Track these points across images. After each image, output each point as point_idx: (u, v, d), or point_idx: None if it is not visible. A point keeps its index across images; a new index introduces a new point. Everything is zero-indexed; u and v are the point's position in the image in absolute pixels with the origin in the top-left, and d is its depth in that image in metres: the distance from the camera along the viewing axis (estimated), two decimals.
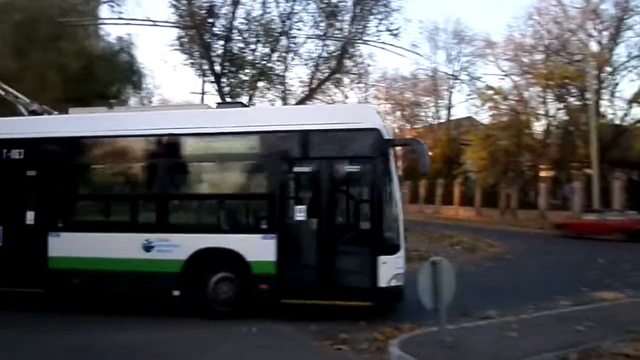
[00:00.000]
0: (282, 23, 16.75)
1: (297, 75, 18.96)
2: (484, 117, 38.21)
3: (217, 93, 16.99)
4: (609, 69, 32.34)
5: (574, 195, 31.53)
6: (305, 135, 8.29)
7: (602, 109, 32.86)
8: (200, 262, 8.20)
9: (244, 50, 16.60)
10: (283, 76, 18.14)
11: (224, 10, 16.63)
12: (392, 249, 7.96)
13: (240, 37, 16.49)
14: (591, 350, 6.08)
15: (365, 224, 8.31)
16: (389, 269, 7.83)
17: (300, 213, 8.14)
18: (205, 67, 17.04)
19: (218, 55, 16.71)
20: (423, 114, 45.42)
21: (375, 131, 8.04)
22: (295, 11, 17.01)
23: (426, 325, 7.14)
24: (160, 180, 8.85)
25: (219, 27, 16.15)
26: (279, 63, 17.72)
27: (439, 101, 43.72)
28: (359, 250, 8.10)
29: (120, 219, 9.14)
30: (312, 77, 18.02)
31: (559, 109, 36.27)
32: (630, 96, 31.61)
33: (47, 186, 8.90)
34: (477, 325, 7.31)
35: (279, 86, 18.24)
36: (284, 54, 17.68)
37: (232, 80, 16.99)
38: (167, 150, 8.80)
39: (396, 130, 38.33)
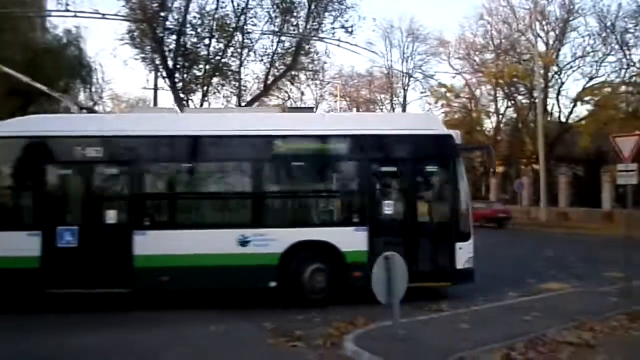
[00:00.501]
0: (237, 18, 16.54)
1: (253, 71, 18.66)
2: (437, 114, 39.02)
3: (169, 89, 16.62)
4: (555, 68, 33.68)
5: (522, 190, 32.67)
6: (391, 139, 9.23)
7: (548, 107, 34.23)
8: (295, 254, 8.70)
9: (197, 45, 16.31)
10: (238, 72, 17.93)
11: (176, 4, 16.36)
12: (465, 237, 9.10)
13: (193, 32, 16.18)
14: (537, 339, 6.32)
15: (443, 216, 9.34)
16: (464, 254, 8.99)
17: (387, 207, 9.09)
18: (158, 62, 16.63)
19: (171, 50, 16.32)
20: (379, 111, 45.88)
21: (450, 137, 9.26)
22: (250, 6, 16.88)
23: (380, 319, 7.27)
24: (257, 179, 9.14)
25: (171, 21, 15.81)
26: (233, 59, 17.51)
27: (394, 98, 44.34)
28: (439, 238, 9.19)
29: (215, 216, 9.40)
30: (268, 73, 17.88)
31: (508, 106, 37.55)
32: (575, 95, 33.00)
33: (131, 185, 8.89)
34: (431, 318, 7.49)
35: (234, 82, 18.03)
36: (238, 50, 17.46)
37: (186, 75, 16.64)
38: (262, 150, 9.07)
39: None
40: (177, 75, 16.45)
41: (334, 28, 16.52)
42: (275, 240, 8.70)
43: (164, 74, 16.63)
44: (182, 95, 16.43)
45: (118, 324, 7.75)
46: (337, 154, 9.32)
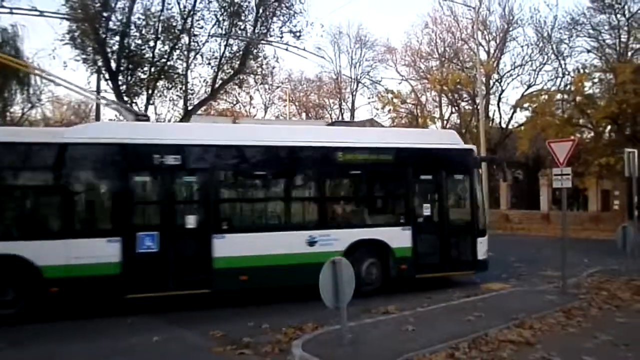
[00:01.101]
0: (183, 20, 16.16)
1: (200, 75, 18.36)
2: (385, 119, 39.70)
3: (112, 91, 16.00)
4: (496, 76, 34.95)
5: None
6: (427, 152, 10.65)
7: (490, 113, 35.48)
8: (354, 251, 9.66)
9: (142, 47, 15.77)
10: (185, 75, 17.55)
11: (120, 5, 15.79)
12: (483, 233, 10.93)
13: (138, 33, 15.65)
14: (480, 339, 6.52)
15: (467, 216, 11.01)
16: (482, 247, 10.79)
17: (426, 210, 10.58)
18: (100, 63, 16.01)
19: (114, 52, 15.72)
20: (327, 116, 46.21)
21: (471, 150, 11.38)
22: (197, 9, 16.55)
23: (329, 324, 7.29)
24: (322, 186, 10.18)
25: (114, 22, 15.20)
26: (180, 62, 17.13)
27: (342, 104, 44.79)
28: (465, 235, 10.87)
29: (286, 219, 10.05)
30: (215, 77, 17.58)
31: (452, 112, 38.65)
32: (514, 102, 34.34)
33: (209, 191, 9.32)
34: (378, 321, 7.56)
35: (181, 86, 17.62)
36: (185, 53, 17.10)
37: (130, 78, 16.08)
38: (327, 160, 10.01)
39: None
40: (120, 77, 15.86)
41: (282, 32, 16.47)
42: (338, 239, 9.66)
43: (107, 76, 15.99)
44: (125, 99, 15.87)
45: (58, 334, 7.50)
46: (387, 164, 10.50)
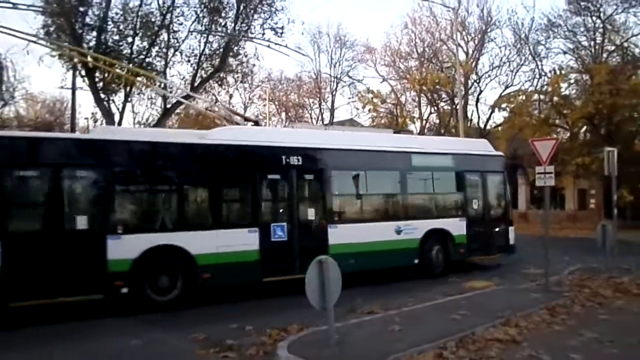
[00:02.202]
0: (162, 16, 15.77)
1: (179, 72, 18.00)
2: (365, 119, 39.75)
3: (89, 88, 15.53)
4: (474, 76, 35.25)
5: None
6: (473, 157, 13.15)
7: (468, 114, 35.77)
8: (427, 239, 11.90)
9: (119, 43, 15.34)
10: (163, 73, 17.16)
11: None
12: (512, 223, 13.84)
13: (115, 29, 15.19)
14: (467, 338, 6.46)
15: (501, 209, 13.76)
16: (512, 234, 13.57)
17: (475, 204, 13.05)
18: (76, 59, 15.53)
19: (90, 48, 15.26)
20: (307, 115, 46.04)
21: (502, 156, 14.19)
22: (176, 5, 16.20)
23: (314, 325, 7.17)
24: (405, 184, 11.98)
25: (91, 17, 14.72)
26: (159, 59, 16.76)
27: (322, 103, 44.67)
28: (502, 224, 13.51)
29: (381, 213, 11.84)
30: (195, 75, 17.27)
31: (431, 112, 38.88)
32: (492, 102, 34.71)
33: (325, 189, 10.87)
34: (363, 321, 7.46)
35: (160, 82, 17.23)
36: (164, 50, 16.75)
37: (107, 75, 15.61)
38: (407, 163, 12.01)
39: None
40: (97, 74, 15.40)
41: (263, 29, 16.22)
42: (417, 229, 11.80)
43: (83, 72, 15.53)
44: (102, 96, 15.44)
45: (38, 338, 7.28)
46: (447, 167, 12.69)
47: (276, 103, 44.62)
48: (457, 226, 12.47)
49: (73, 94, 19.43)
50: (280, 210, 10.51)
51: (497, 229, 13.35)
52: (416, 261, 11.76)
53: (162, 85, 17.46)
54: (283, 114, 45.72)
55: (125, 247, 8.56)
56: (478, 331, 6.69)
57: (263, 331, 7.17)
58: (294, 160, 10.41)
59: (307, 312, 7.44)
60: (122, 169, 9.03)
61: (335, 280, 6.25)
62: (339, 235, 10.60)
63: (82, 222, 8.44)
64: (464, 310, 7.85)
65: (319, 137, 11.43)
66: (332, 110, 44.07)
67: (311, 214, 10.63)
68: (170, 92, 16.86)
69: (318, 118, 44.55)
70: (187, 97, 18.78)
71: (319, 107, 44.86)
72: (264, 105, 42.62)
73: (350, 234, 10.74)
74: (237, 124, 12.20)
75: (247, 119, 11.96)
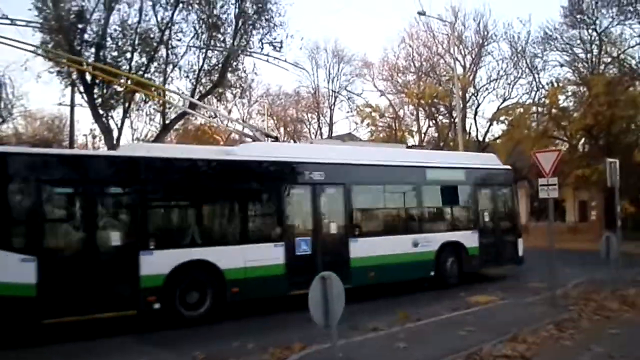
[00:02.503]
0: (161, 32, 15.78)
1: (178, 88, 17.89)
2: (363, 133, 39.75)
3: (87, 105, 15.45)
4: (472, 90, 35.33)
5: None
6: (484, 171, 13.61)
7: (467, 127, 35.77)
8: (442, 251, 12.17)
9: (118, 60, 15.29)
10: (162, 88, 17.11)
11: (95, 16, 15.28)
12: (521, 235, 14.09)
13: (114, 45, 15.16)
14: (474, 355, 6.31)
15: (511, 222, 14.08)
16: (521, 246, 13.81)
17: (486, 217, 13.30)
18: (74, 76, 15.48)
19: (89, 64, 15.23)
20: (306, 130, 46.05)
21: (510, 170, 14.48)
22: (175, 21, 16.19)
23: (316, 342, 7.01)
24: (420, 198, 12.32)
25: (89, 34, 14.68)
26: (157, 74, 16.72)
27: (320, 118, 44.70)
28: (511, 236, 13.79)
29: (399, 226, 12.00)
30: (194, 90, 17.23)
31: (430, 126, 38.89)
32: (490, 115, 34.73)
33: (346, 203, 10.96)
34: (367, 338, 7.29)
35: (158, 98, 17.16)
36: (162, 66, 16.72)
37: (105, 91, 15.56)
38: (423, 177, 12.28)
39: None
40: (95, 90, 15.34)
41: (263, 44, 16.21)
42: (433, 241, 12.06)
43: (81, 89, 15.46)
44: (101, 112, 15.37)
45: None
46: (461, 180, 13.02)
47: (274, 118, 44.64)
48: (469, 238, 12.78)
49: (71, 110, 19.36)
50: (304, 225, 10.66)
51: (506, 241, 13.74)
52: (432, 273, 12.07)
53: (166, 96, 17.35)
54: (282, 129, 45.72)
55: (157, 263, 8.66)
56: (486, 348, 6.53)
57: (265, 349, 7.02)
58: (317, 175, 10.61)
59: (309, 329, 7.29)
60: (153, 186, 9.14)
61: (338, 297, 6.10)
62: (359, 248, 10.86)
63: (115, 238, 8.53)
64: (470, 326, 7.69)
65: (339, 152, 11.65)
66: (330, 125, 44.10)
67: (333, 227, 10.86)
68: (177, 102, 16.77)
69: (316, 133, 44.54)
70: (185, 112, 18.72)
71: (318, 122, 44.90)
72: (263, 121, 42.64)
73: (370, 247, 11.00)
74: (251, 139, 12.36)
75: (268, 135, 12.17)
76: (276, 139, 12.30)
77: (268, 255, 9.75)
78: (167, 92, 16.90)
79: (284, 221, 10.26)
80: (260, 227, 10.26)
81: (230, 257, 9.34)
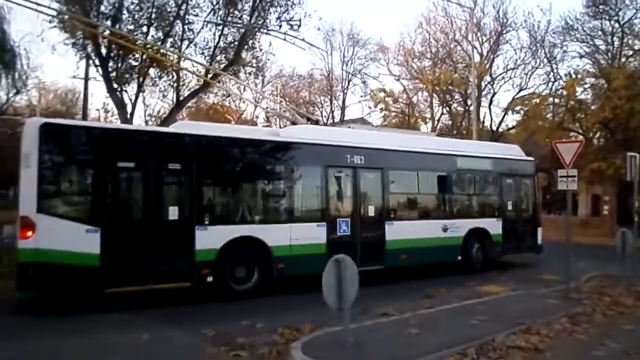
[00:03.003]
0: (177, 7, 15.54)
1: (193, 64, 17.67)
2: (376, 118, 39.40)
3: (102, 78, 15.31)
4: (488, 78, 34.83)
5: None
6: (509, 161, 13.99)
7: (480, 116, 35.34)
8: (469, 237, 12.67)
9: (134, 33, 15.11)
10: (177, 64, 16.94)
11: None
12: (540, 224, 14.53)
13: (130, 18, 14.96)
14: (487, 344, 6.22)
15: (532, 211, 14.62)
16: (540, 234, 14.32)
17: (509, 205, 13.74)
18: (90, 49, 15.35)
19: (104, 37, 15.07)
20: (318, 113, 45.75)
21: (533, 161, 14.97)
22: None
23: (327, 325, 6.97)
24: (451, 186, 12.84)
25: (106, 5, 14.47)
26: (173, 50, 16.49)
27: (333, 101, 44.32)
28: (532, 225, 14.29)
29: (430, 211, 12.49)
30: (209, 67, 17.03)
31: (443, 113, 38.50)
32: (505, 105, 34.29)
33: (383, 187, 11.41)
34: (378, 323, 7.23)
35: (173, 74, 17.00)
36: (178, 41, 16.52)
37: (120, 65, 15.43)
38: (454, 166, 12.81)
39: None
40: (110, 64, 15.20)
41: (280, 21, 15.90)
42: (461, 227, 12.55)
43: (97, 62, 15.32)
44: (115, 86, 15.23)
45: (47, 328, 7.23)
46: (488, 170, 13.48)
47: (287, 100, 44.39)
48: (494, 226, 13.23)
49: (85, 83, 19.27)
50: (345, 207, 11.02)
51: (527, 230, 14.18)
52: (459, 257, 12.55)
53: (175, 77, 17.17)
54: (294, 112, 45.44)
55: (211, 238, 9.03)
56: (499, 338, 6.44)
57: (274, 330, 6.98)
58: (357, 159, 11.01)
59: (318, 311, 7.40)
60: (210, 163, 9.46)
61: (352, 280, 6.04)
62: (394, 231, 11.29)
63: (174, 213, 8.86)
64: (482, 315, 7.60)
65: (376, 138, 12.04)
66: (342, 109, 43.75)
67: (371, 210, 11.24)
68: (193, 79, 16.58)
69: (329, 116, 44.25)
70: (200, 89, 18.49)
71: (330, 105, 44.56)
72: (276, 102, 42.41)
73: (403, 230, 11.46)
74: (291, 122, 12.61)
75: (309, 119, 12.40)
76: (316, 122, 12.43)
77: (311, 234, 10.17)
78: (185, 65, 16.72)
79: (326, 202, 10.65)
80: (304, 208, 10.59)
81: (277, 235, 9.73)
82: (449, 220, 12.43)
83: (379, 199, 11.40)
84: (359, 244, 10.78)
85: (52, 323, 7.65)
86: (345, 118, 43.43)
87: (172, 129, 10.10)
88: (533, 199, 14.61)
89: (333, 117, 43.92)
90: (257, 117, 42.93)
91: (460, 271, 12.34)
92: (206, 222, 9.08)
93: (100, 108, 29.18)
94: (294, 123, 12.19)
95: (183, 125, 10.79)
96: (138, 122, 21.99)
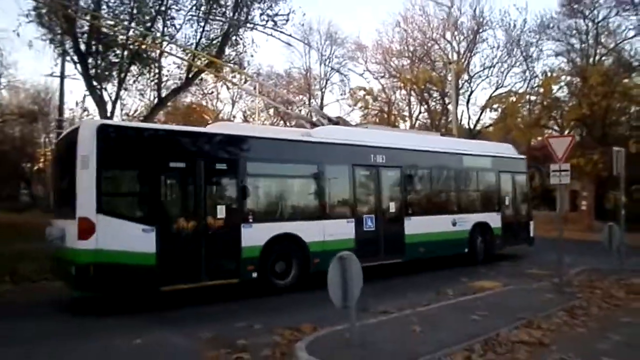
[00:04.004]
0: (160, 2, 15.09)
1: (174, 62, 17.26)
2: (355, 117, 39.33)
3: (81, 76, 14.79)
4: (465, 76, 35.12)
5: None
6: (505, 159, 14.89)
7: (458, 114, 35.62)
8: (474, 230, 13.45)
9: (115, 29, 14.66)
10: (158, 61, 16.55)
11: None
12: (532, 218, 15.55)
13: (111, 14, 14.48)
14: (492, 340, 6.17)
15: (524, 205, 15.52)
16: (532, 228, 15.30)
17: (506, 200, 14.65)
18: (68, 45, 14.83)
19: (84, 33, 14.55)
20: (297, 111, 45.46)
21: (524, 159, 15.90)
22: None
23: (327, 324, 6.84)
24: (459, 181, 13.60)
25: (85, 1, 13.92)
26: (153, 46, 16.09)
27: (312, 100, 44.12)
28: (525, 219, 15.30)
29: (442, 207, 13.15)
30: (190, 65, 16.68)
31: (421, 112, 38.71)
32: (482, 103, 34.64)
33: (404, 185, 12.15)
34: (380, 321, 7.12)
35: (154, 71, 16.57)
36: (159, 38, 16.10)
37: (100, 61, 14.93)
38: (460, 164, 13.59)
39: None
40: (90, 60, 14.71)
41: (268, 17, 15.61)
42: (467, 222, 13.32)
43: (75, 58, 14.79)
44: (94, 83, 14.75)
45: (38, 331, 6.94)
46: (488, 167, 14.32)
47: (265, 99, 43.99)
48: (494, 220, 14.07)
49: (61, 81, 18.73)
50: (369, 203, 11.60)
51: (522, 223, 15.14)
52: (466, 250, 13.30)
53: (156, 75, 16.79)
54: (271, 110, 45.16)
55: (255, 235, 9.40)
56: (502, 333, 6.40)
57: (273, 330, 6.82)
58: (379, 158, 11.62)
59: (313, 310, 7.68)
60: (253, 163, 9.76)
61: (357, 277, 5.93)
62: (412, 226, 11.93)
63: (222, 211, 9.17)
64: (481, 310, 7.56)
65: (393, 137, 12.69)
66: (321, 107, 43.57)
67: (392, 207, 11.89)
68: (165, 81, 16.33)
69: (307, 115, 44.02)
70: (181, 87, 18.10)
71: (309, 104, 44.35)
72: (252, 101, 42.09)
73: (420, 225, 12.07)
74: (309, 123, 13.25)
75: (330, 119, 12.90)
76: (337, 123, 12.87)
77: (342, 230, 10.67)
78: (168, 61, 16.23)
79: (354, 199, 11.19)
80: (336, 204, 11.00)
81: (312, 231, 10.19)
82: (457, 215, 13.17)
83: (398, 196, 12.05)
84: (382, 238, 11.42)
85: (48, 327, 7.37)
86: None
87: (221, 130, 10.40)
88: (526, 194, 15.53)
89: (311, 116, 43.75)
90: (234, 116, 42.53)
91: (466, 263, 13.18)
92: (251, 220, 9.44)
93: (74, 107, 28.32)
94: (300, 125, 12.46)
95: (218, 127, 11.34)
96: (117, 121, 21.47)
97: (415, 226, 11.97)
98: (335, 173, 10.97)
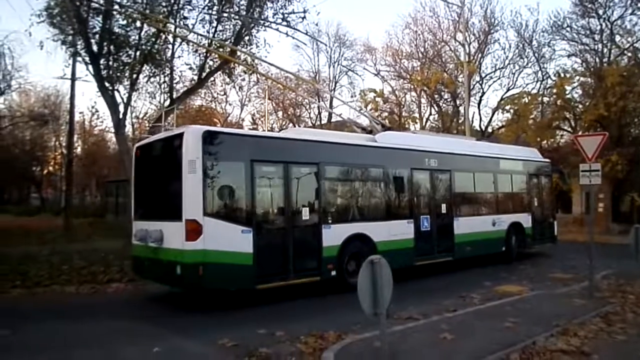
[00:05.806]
0: (172, 2, 14.86)
1: (186, 62, 17.03)
2: (364, 119, 38.97)
3: (93, 77, 14.58)
4: (477, 78, 34.72)
5: None
6: (533, 163, 15.83)
7: (469, 115, 35.21)
8: (509, 230, 14.16)
9: (127, 29, 14.47)
10: (171, 62, 16.36)
11: None
12: (555, 217, 16.61)
13: (123, 14, 14.26)
14: (529, 348, 5.86)
15: (551, 205, 16.64)
16: (556, 227, 16.31)
17: (536, 201, 15.48)
18: (80, 45, 14.65)
19: (96, 33, 14.36)
20: (306, 114, 45.25)
21: (550, 163, 16.82)
22: None
23: (351, 331, 6.56)
24: (498, 184, 14.21)
25: (97, 1, 13.69)
26: (165, 45, 15.89)
27: (320, 102, 43.83)
28: (550, 217, 16.23)
29: (484, 208, 13.96)
30: (203, 65, 16.45)
31: (431, 113, 38.34)
32: (494, 104, 34.22)
33: (452, 188, 12.76)
34: (407, 328, 6.80)
35: (167, 71, 16.35)
36: (171, 39, 15.91)
37: (112, 62, 14.74)
38: (498, 167, 14.27)
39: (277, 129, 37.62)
40: (102, 61, 14.51)
41: (283, 15, 15.36)
42: (505, 222, 14.04)
43: (87, 59, 14.60)
44: (106, 85, 14.54)
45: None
46: (520, 170, 15.11)
47: (273, 102, 43.78)
48: (526, 220, 14.81)
49: (72, 84, 18.56)
50: (425, 205, 12.24)
51: (548, 223, 15.98)
52: (503, 248, 13.97)
53: (169, 75, 16.59)
54: (280, 113, 44.94)
55: (334, 235, 9.92)
56: (539, 341, 6.08)
57: (296, 338, 6.54)
58: (432, 162, 12.32)
59: (332, 315, 7.65)
60: (332, 167, 10.38)
61: (387, 283, 5.58)
62: (460, 226, 12.63)
63: (306, 213, 9.74)
64: (512, 317, 7.24)
65: (441, 142, 13.38)
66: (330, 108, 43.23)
67: (443, 208, 12.48)
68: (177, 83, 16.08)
69: (316, 118, 43.80)
70: (194, 87, 17.85)
71: (318, 107, 44.11)
72: (261, 104, 41.91)
73: (467, 225, 12.78)
74: (360, 129, 13.49)
75: (383, 125, 13.53)
76: (389, 128, 13.48)
77: (403, 230, 11.29)
78: (180, 62, 16.07)
79: (413, 201, 11.89)
80: (398, 206, 11.58)
81: (380, 231, 10.70)
82: (496, 215, 13.85)
83: (448, 197, 12.70)
84: (436, 238, 12.11)
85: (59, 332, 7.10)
86: (333, 120, 43.07)
87: (301, 136, 10.93)
88: (550, 195, 16.57)
89: (320, 119, 43.49)
90: (242, 119, 42.36)
91: (501, 261, 13.73)
92: (330, 221, 9.98)
93: (83, 111, 28.27)
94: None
95: (294, 132, 12.36)
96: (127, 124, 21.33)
97: (463, 226, 12.66)
98: (398, 176, 11.60)
